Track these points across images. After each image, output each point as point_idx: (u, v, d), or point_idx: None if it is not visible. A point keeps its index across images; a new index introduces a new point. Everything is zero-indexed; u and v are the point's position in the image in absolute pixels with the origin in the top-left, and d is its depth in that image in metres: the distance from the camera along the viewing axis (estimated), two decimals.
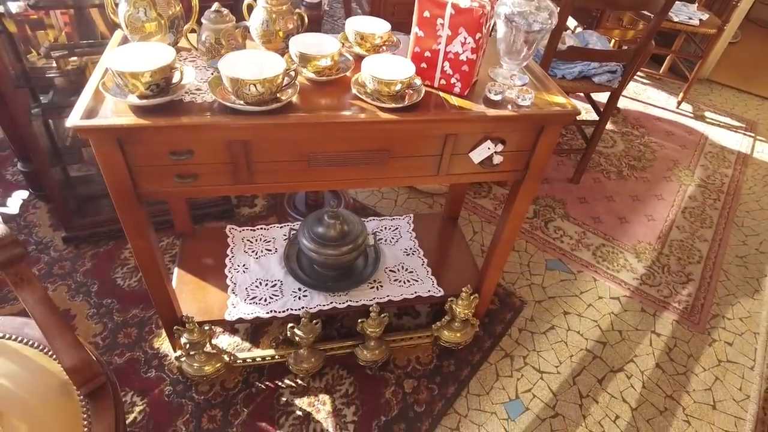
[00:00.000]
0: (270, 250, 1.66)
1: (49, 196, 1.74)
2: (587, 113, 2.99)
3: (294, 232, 1.65)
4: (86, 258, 1.81)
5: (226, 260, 1.62)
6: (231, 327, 1.65)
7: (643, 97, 3.34)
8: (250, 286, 1.54)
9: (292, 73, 1.02)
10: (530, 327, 1.77)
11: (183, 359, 1.45)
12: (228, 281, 1.55)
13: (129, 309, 1.67)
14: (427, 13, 1.06)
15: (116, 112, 0.95)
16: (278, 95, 1.01)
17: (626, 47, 2.81)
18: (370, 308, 1.44)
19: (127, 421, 1.39)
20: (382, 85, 1.03)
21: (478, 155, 1.15)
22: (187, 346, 1.38)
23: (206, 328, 1.39)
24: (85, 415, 0.86)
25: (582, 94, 2.95)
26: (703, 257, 2.14)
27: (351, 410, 1.47)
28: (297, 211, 2.04)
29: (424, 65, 1.13)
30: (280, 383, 1.52)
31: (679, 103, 3.25)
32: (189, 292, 1.52)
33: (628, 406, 1.58)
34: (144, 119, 0.94)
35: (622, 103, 3.20)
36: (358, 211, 2.14)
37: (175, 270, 1.59)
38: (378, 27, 1.21)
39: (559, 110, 1.12)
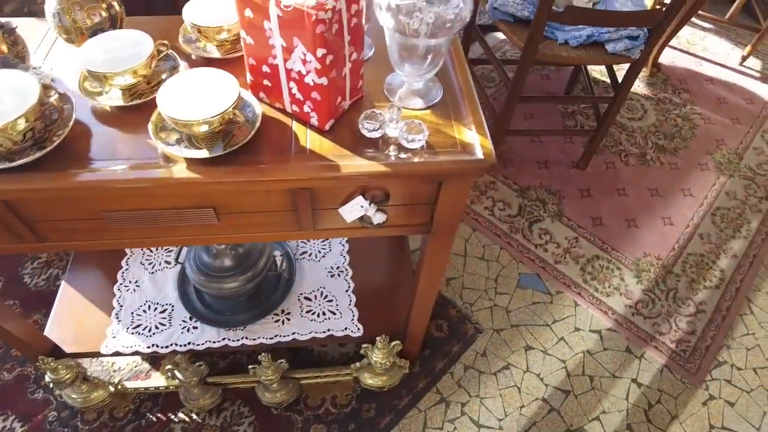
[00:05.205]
0: (169, 264, 1.42)
1: None
2: (604, 88, 2.43)
3: (180, 261, 1.28)
4: None
5: (119, 274, 1.40)
6: None
7: (698, 48, 2.67)
8: (138, 309, 1.33)
9: (52, 109, 0.71)
10: (480, 364, 1.49)
11: (62, 390, 1.30)
12: (114, 302, 1.35)
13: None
14: (249, 13, 0.69)
15: None
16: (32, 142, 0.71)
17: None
18: (260, 356, 1.20)
19: None
20: (182, 126, 0.70)
21: (349, 213, 0.82)
22: (51, 385, 1.21)
23: (70, 364, 1.21)
24: None
25: None
26: (724, 279, 1.72)
27: None
28: None
29: (267, 82, 0.78)
30: (173, 416, 1.35)
31: (744, 58, 2.58)
32: (69, 314, 1.33)
33: None
34: None
35: (668, 56, 2.57)
36: None
37: (62, 284, 1.39)
38: (229, 15, 0.85)
39: (462, 160, 0.75)
